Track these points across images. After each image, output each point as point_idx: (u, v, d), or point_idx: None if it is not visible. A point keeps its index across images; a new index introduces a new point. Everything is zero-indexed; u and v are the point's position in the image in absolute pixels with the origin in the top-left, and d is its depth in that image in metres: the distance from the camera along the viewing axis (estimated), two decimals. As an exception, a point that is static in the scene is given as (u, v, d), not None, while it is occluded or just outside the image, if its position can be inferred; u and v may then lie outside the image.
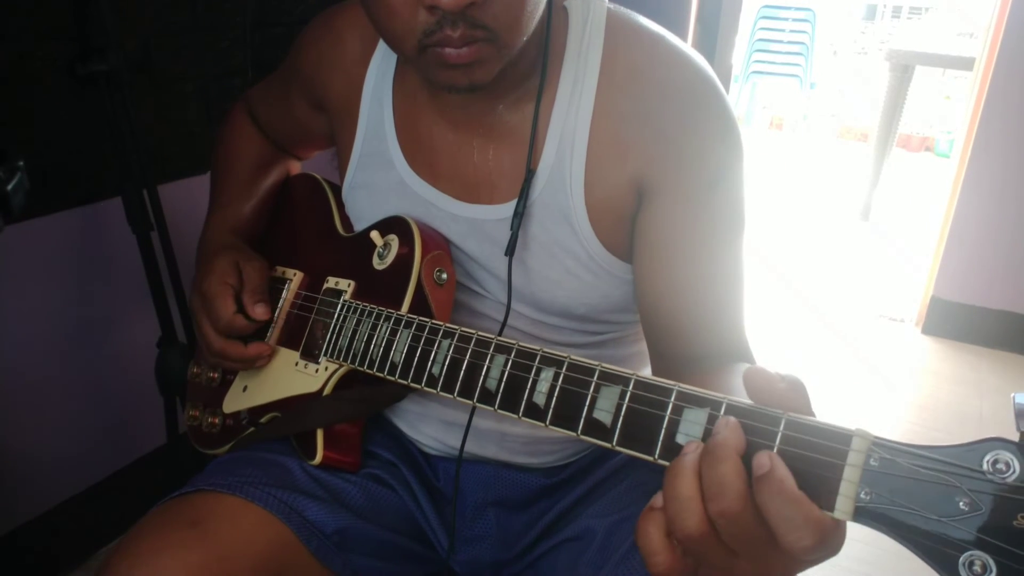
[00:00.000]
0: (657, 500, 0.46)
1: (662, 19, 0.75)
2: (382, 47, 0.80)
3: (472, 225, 0.75)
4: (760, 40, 4.92)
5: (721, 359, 0.71)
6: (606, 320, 0.79)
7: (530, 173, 0.71)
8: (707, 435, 0.46)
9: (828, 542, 0.41)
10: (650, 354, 0.78)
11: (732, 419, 0.44)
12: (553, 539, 0.81)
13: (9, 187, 0.68)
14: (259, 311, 0.80)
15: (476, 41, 0.59)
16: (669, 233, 0.71)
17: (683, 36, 2.11)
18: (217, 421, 0.86)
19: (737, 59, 4.71)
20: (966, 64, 2.86)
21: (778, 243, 3.30)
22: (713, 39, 2.13)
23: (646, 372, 0.86)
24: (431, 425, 0.83)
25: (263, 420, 0.81)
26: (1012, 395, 0.38)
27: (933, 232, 2.53)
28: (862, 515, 0.41)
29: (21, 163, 0.70)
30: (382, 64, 0.80)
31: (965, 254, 2.42)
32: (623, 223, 0.72)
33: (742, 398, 0.46)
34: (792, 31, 4.86)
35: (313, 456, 0.76)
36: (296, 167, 1.01)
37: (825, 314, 2.69)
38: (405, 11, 0.59)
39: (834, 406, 2.11)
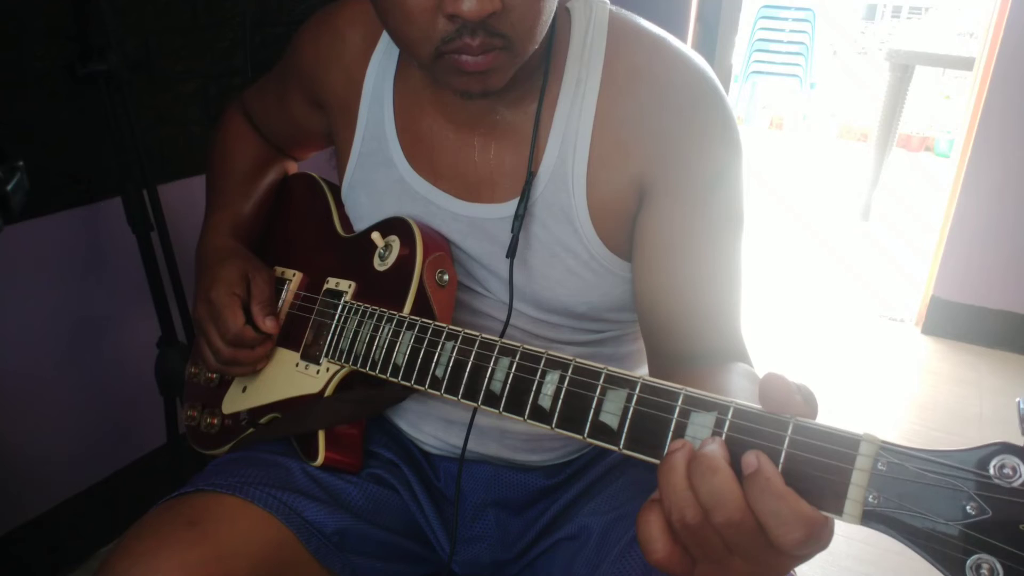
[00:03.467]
0: (657, 493, 0.46)
1: (662, 19, 0.75)
2: (383, 44, 0.79)
3: (473, 224, 0.75)
4: (760, 40, 4.93)
5: (717, 358, 0.71)
6: (606, 319, 0.79)
7: (531, 175, 0.71)
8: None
9: (818, 536, 0.42)
10: (647, 352, 0.78)
11: (719, 438, 0.45)
12: (551, 538, 0.80)
13: (9, 187, 0.67)
14: (269, 324, 0.80)
15: (494, 49, 0.60)
16: (669, 233, 0.71)
17: (683, 36, 2.11)
18: (216, 421, 0.86)
19: (737, 59, 4.72)
20: (966, 64, 2.86)
21: (778, 243, 3.30)
22: (713, 39, 2.13)
23: (645, 370, 0.87)
24: (432, 424, 0.82)
25: (263, 421, 0.81)
26: (1017, 400, 0.38)
27: (933, 232, 2.53)
28: (870, 518, 0.41)
29: (21, 163, 0.69)
30: (383, 61, 0.79)
31: (965, 254, 2.42)
32: (624, 223, 0.72)
33: (747, 401, 0.46)
34: (792, 31, 4.87)
35: (315, 457, 0.76)
36: (293, 167, 1.01)
37: (825, 314, 2.69)
38: (423, 18, 0.59)
39: (834, 406, 2.10)
